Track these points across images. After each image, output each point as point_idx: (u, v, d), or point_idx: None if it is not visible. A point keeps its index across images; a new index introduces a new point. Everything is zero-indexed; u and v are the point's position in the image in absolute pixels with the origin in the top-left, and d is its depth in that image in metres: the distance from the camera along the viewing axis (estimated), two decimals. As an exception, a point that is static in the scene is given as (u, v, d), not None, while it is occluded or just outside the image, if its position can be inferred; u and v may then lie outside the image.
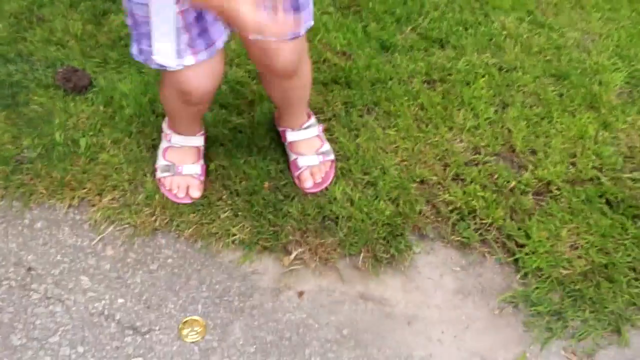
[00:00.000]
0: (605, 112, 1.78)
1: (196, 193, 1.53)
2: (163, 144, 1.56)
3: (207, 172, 1.57)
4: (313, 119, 1.63)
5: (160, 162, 1.55)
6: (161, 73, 1.32)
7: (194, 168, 1.54)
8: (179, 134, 1.53)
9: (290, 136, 1.59)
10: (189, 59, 1.23)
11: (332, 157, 1.61)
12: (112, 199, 1.53)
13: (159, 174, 1.54)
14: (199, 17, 1.20)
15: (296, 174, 1.58)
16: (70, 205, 1.52)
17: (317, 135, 1.62)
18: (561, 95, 1.82)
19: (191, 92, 1.30)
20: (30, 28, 1.83)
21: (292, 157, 1.59)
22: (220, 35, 1.26)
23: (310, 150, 1.59)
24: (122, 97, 1.69)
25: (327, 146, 1.63)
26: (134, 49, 1.25)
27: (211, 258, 1.47)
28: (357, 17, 1.96)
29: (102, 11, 1.89)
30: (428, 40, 1.92)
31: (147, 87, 1.72)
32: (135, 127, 1.64)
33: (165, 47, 1.19)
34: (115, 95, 1.70)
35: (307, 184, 1.56)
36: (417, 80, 1.81)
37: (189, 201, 1.53)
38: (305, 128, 1.60)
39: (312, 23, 1.35)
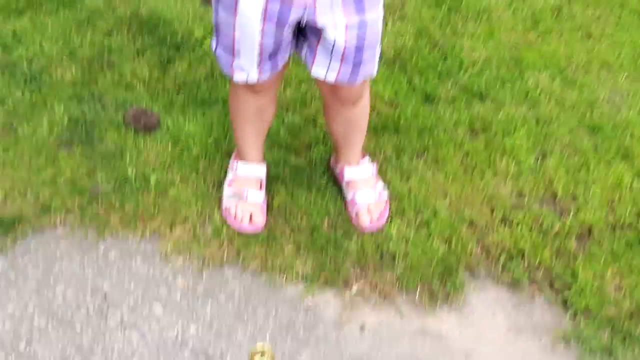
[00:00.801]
0: (638, 162, 1.83)
1: (259, 218, 1.57)
2: (229, 177, 1.61)
3: (270, 208, 1.61)
4: (367, 158, 1.68)
5: (227, 191, 1.59)
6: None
7: (258, 196, 1.58)
8: (244, 161, 1.58)
9: (348, 173, 1.63)
10: (253, 76, 1.35)
11: (386, 195, 1.66)
12: (182, 232, 1.56)
13: (225, 203, 1.58)
14: (273, 54, 1.30)
15: (354, 210, 1.61)
16: (142, 237, 1.55)
17: (373, 174, 1.67)
18: (596, 146, 1.87)
19: (254, 86, 1.40)
20: (101, 72, 1.90)
21: (350, 195, 1.63)
22: (283, 61, 1.37)
23: (367, 188, 1.63)
24: (189, 137, 1.74)
25: (381, 184, 1.67)
26: (213, 43, 1.38)
27: (276, 290, 1.49)
28: (402, 71, 2.03)
29: (167, 58, 1.96)
30: (469, 94, 1.99)
31: (211, 128, 1.77)
32: (202, 165, 1.69)
33: (237, 60, 1.32)
34: (181, 135, 1.75)
35: (365, 220, 1.59)
36: (461, 130, 1.87)
37: (253, 229, 1.56)
38: (363, 166, 1.65)
39: (373, 73, 1.41)
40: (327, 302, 1.48)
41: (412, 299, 1.51)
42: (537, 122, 1.93)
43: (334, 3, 1.22)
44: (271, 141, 1.74)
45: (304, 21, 1.26)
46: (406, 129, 1.85)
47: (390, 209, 1.65)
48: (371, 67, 1.39)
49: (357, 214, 1.61)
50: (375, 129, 1.84)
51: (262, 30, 1.25)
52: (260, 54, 1.31)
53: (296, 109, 1.87)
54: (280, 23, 1.24)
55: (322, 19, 1.24)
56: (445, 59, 2.08)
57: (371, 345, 1.42)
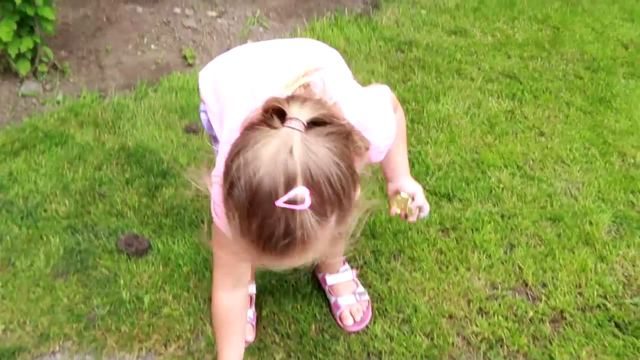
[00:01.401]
0: (599, 247, 1.98)
1: (250, 337, 1.66)
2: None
3: (260, 318, 1.72)
4: (347, 265, 1.81)
5: None
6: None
7: (248, 313, 1.69)
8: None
9: (330, 280, 1.76)
10: None
11: (367, 297, 1.77)
12: (177, 348, 1.65)
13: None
14: None
15: (337, 313, 1.72)
16: (138, 356, 1.63)
17: (352, 279, 1.79)
18: (559, 235, 2.03)
19: None
20: (93, 203, 2.05)
21: (332, 299, 1.75)
22: None
23: (348, 292, 1.75)
24: (179, 257, 1.87)
25: (362, 288, 1.79)
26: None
27: (270, 397, 1.57)
28: (373, 179, 2.21)
29: (155, 185, 2.12)
30: (437, 196, 2.16)
31: (199, 248, 1.90)
32: (193, 283, 1.80)
33: None
34: (172, 256, 1.87)
35: (348, 322, 1.71)
36: (433, 229, 2.02)
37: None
38: (342, 272, 1.78)
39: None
40: (319, 405, 1.56)
41: (401, 395, 1.59)
42: (502, 217, 2.09)
43: None
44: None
45: None
46: (382, 234, 2.00)
47: (372, 309, 1.76)
48: None
49: (341, 317, 1.72)
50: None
51: None
52: None
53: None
54: None
55: None
56: (413, 165, 2.27)
57: None
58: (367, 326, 1.72)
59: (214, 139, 1.46)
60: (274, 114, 0.96)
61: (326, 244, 1.00)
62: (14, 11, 2.37)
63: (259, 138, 0.94)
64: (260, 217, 0.93)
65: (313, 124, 0.95)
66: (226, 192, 0.97)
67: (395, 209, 1.52)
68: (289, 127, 0.94)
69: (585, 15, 3.47)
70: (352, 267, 1.82)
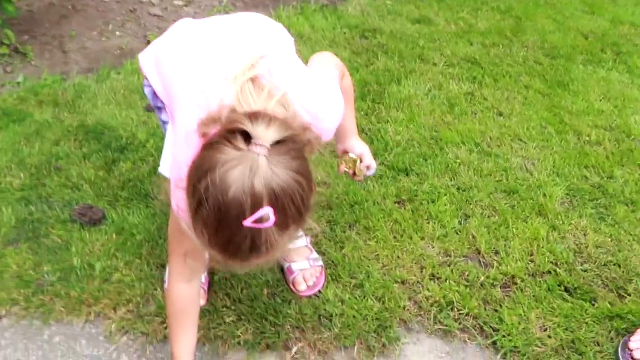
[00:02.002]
0: (552, 217, 2.01)
1: (202, 301, 1.65)
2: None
3: (212, 283, 1.71)
4: (301, 232, 1.81)
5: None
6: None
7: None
8: (187, 248, 1.69)
9: None
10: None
11: (321, 263, 1.77)
12: (126, 312, 1.63)
13: (167, 285, 1.68)
14: None
15: (291, 279, 1.73)
16: (87, 321, 1.62)
17: (307, 246, 1.80)
18: (513, 206, 2.05)
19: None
20: (49, 176, 2.03)
21: (286, 265, 1.75)
22: None
23: (302, 257, 1.75)
24: (133, 226, 1.86)
25: (315, 255, 1.79)
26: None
27: (218, 359, 1.56)
28: (332, 154, 2.22)
29: (112, 160, 2.11)
30: (395, 171, 2.17)
31: (154, 218, 1.90)
32: (146, 250, 1.79)
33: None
34: (126, 226, 1.86)
35: (302, 287, 1.71)
36: (389, 201, 2.04)
37: None
38: (297, 238, 1.78)
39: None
40: (268, 365, 1.56)
41: (350, 355, 1.59)
42: (459, 189, 2.11)
43: None
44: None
45: None
46: (338, 205, 2.01)
47: (326, 275, 1.76)
48: None
49: (294, 282, 1.72)
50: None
51: None
52: None
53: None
54: None
55: None
56: (372, 142, 2.29)
57: (313, 401, 1.49)
58: (319, 291, 1.72)
59: (159, 110, 1.47)
60: (239, 134, 0.98)
61: (286, 245, 1.07)
62: (-28, -11, 2.37)
63: (225, 160, 0.97)
64: (228, 234, 0.99)
65: (276, 143, 0.99)
66: (194, 209, 1.01)
67: (344, 168, 1.53)
68: (254, 152, 0.97)
69: (547, 7, 3.54)
70: (306, 235, 1.83)
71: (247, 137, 0.98)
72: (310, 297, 1.70)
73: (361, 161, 1.54)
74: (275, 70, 1.19)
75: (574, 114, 2.54)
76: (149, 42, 2.96)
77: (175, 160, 1.19)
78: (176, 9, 3.28)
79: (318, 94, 1.28)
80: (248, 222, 0.96)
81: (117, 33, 3.04)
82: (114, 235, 1.83)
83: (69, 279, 1.70)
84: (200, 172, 0.99)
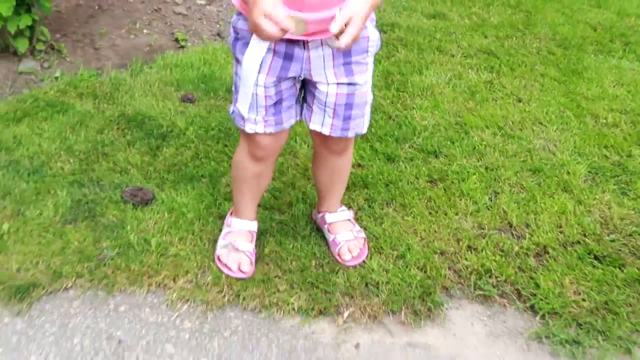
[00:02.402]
0: (577, 192, 2.11)
1: (246, 268, 1.74)
2: (224, 231, 1.80)
3: (262, 256, 1.80)
4: (344, 207, 1.91)
5: (220, 242, 1.78)
6: (240, 135, 1.66)
7: (248, 246, 1.77)
8: (238, 217, 1.79)
9: (329, 218, 1.85)
10: (260, 128, 1.56)
11: (363, 235, 1.87)
12: (185, 282, 1.72)
13: (217, 252, 1.77)
14: (277, 103, 1.54)
15: (336, 250, 1.82)
16: (148, 291, 1.70)
17: (349, 219, 1.89)
18: (539, 184, 2.15)
19: (259, 148, 1.62)
20: (97, 162, 2.12)
21: (331, 237, 1.84)
22: (288, 120, 1.59)
23: (346, 229, 1.84)
24: (182, 205, 1.95)
25: (358, 227, 1.89)
26: (229, 108, 1.60)
27: (275, 323, 1.64)
28: (363, 140, 2.32)
29: (155, 146, 2.21)
30: (424, 153, 2.27)
31: (202, 198, 1.99)
32: (197, 227, 1.88)
33: (245, 113, 1.53)
34: (175, 206, 1.95)
35: (347, 257, 1.80)
36: (422, 180, 2.13)
37: (241, 275, 1.73)
38: (340, 212, 1.87)
39: (362, 131, 1.64)
40: (323, 328, 1.64)
41: (398, 319, 1.68)
42: (486, 169, 2.21)
43: (326, 65, 1.49)
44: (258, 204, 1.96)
45: (302, 76, 1.51)
46: (374, 184, 2.10)
47: (368, 247, 1.86)
48: (361, 124, 1.62)
49: (339, 253, 1.81)
50: (348, 186, 2.08)
51: (265, 83, 1.48)
52: (265, 106, 1.53)
53: (276, 177, 2.11)
54: (280, 76, 1.49)
55: (316, 76, 1.50)
56: (400, 127, 2.39)
57: (366, 358, 1.58)
58: (363, 261, 1.81)
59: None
60: None
61: None
62: (13, -12, 2.46)
63: None
64: None
65: None
66: None
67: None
68: None
69: (555, 2, 3.66)
70: (348, 209, 1.92)
71: None
72: (355, 266, 1.79)
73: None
74: None
75: (590, 99, 2.65)
76: (176, 39, 3.06)
77: None
78: (199, 7, 3.38)
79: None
80: None
81: (145, 31, 3.13)
82: (165, 214, 1.92)
83: (128, 253, 1.79)
84: None
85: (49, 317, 1.62)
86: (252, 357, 1.55)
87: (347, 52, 1.49)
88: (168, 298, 1.69)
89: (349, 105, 1.56)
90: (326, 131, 1.60)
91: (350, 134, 1.64)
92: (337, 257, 1.82)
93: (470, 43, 3.07)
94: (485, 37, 3.16)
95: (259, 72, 1.47)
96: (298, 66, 1.49)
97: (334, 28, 1.27)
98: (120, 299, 1.68)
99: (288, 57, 1.47)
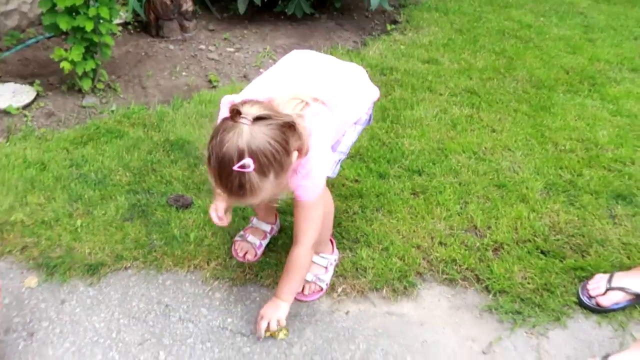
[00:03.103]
0: (532, 203, 2.53)
1: (250, 257, 2.17)
2: (247, 227, 2.27)
3: (277, 246, 2.25)
4: (332, 256, 2.14)
5: (240, 232, 2.25)
6: None
7: (256, 240, 2.21)
8: (257, 217, 2.25)
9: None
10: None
11: (322, 285, 2.08)
12: (216, 265, 2.17)
13: (235, 238, 2.23)
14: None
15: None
16: (188, 271, 2.16)
17: (325, 266, 2.11)
18: (502, 196, 2.58)
19: None
20: (148, 175, 2.60)
21: None
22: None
23: (312, 271, 2.08)
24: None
25: (327, 277, 2.09)
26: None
27: (285, 296, 2.09)
28: (361, 161, 2.78)
29: (193, 164, 2.69)
30: (410, 171, 2.72)
31: (229, 203, 2.46)
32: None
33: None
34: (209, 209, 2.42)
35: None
36: (406, 193, 2.58)
37: (243, 260, 2.17)
38: (321, 257, 2.11)
39: (333, 176, 1.96)
40: (321, 300, 2.08)
41: (381, 294, 2.11)
42: (460, 184, 2.65)
43: None
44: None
45: None
46: (367, 195, 2.55)
47: (321, 296, 2.07)
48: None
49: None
50: (346, 196, 2.53)
51: None
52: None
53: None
54: None
55: None
56: (392, 151, 2.85)
57: (354, 322, 2.00)
58: (304, 301, 2.06)
59: None
60: (236, 112, 1.51)
61: (271, 191, 1.56)
62: (83, 38, 2.99)
63: (224, 128, 1.51)
64: (225, 176, 1.51)
65: (258, 118, 1.50)
66: (207, 161, 1.54)
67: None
68: (241, 122, 1.50)
69: (535, 49, 4.12)
70: (329, 265, 2.13)
71: (240, 114, 1.50)
72: (300, 300, 2.06)
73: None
74: (320, 118, 1.71)
75: (553, 129, 3.09)
76: (209, 80, 3.58)
77: None
78: (229, 54, 3.91)
79: (318, 167, 1.72)
80: (235, 167, 1.47)
81: (183, 73, 3.66)
82: (201, 215, 2.39)
83: (172, 243, 2.25)
84: (211, 136, 1.53)
85: (113, 287, 2.08)
86: (266, 318, 2.00)
87: None
88: (203, 276, 2.14)
89: None
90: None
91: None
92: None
93: (457, 84, 3.54)
94: (470, 79, 3.63)
95: None
96: None
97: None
98: (167, 276, 2.14)
99: None
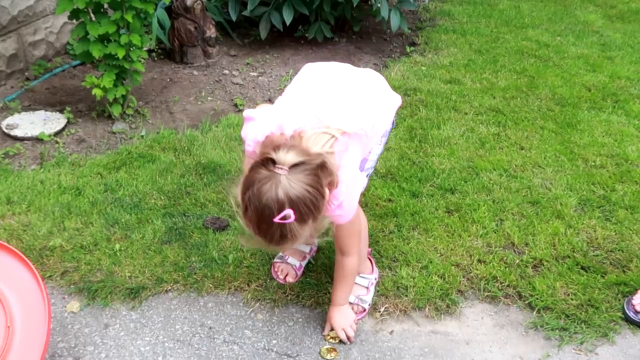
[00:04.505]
0: (568, 219, 2.51)
1: (290, 279, 2.16)
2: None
3: (316, 266, 2.23)
4: (372, 275, 2.13)
5: (278, 254, 2.23)
6: None
7: (296, 261, 2.20)
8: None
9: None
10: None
11: (365, 306, 2.06)
12: (257, 286, 2.15)
13: (274, 260, 2.22)
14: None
15: None
16: (228, 293, 2.14)
17: (366, 287, 2.10)
18: (537, 213, 2.56)
19: None
20: (182, 198, 2.60)
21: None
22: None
23: (354, 294, 2.06)
24: (251, 230, 2.41)
25: (369, 297, 2.08)
26: None
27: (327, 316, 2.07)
28: (393, 181, 2.77)
29: (227, 186, 2.69)
30: (442, 190, 2.70)
31: (266, 224, 2.44)
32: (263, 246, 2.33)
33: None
34: (246, 231, 2.41)
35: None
36: (441, 211, 2.56)
37: (284, 282, 2.15)
38: (361, 277, 2.10)
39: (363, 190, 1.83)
40: (365, 320, 2.06)
41: (423, 313, 2.08)
42: (493, 202, 2.63)
43: None
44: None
45: None
46: (402, 214, 2.53)
47: (365, 316, 2.04)
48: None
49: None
50: (380, 215, 2.52)
51: None
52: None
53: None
54: None
55: None
56: (422, 170, 2.84)
57: (399, 341, 1.97)
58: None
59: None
60: (269, 160, 1.49)
61: (309, 234, 1.57)
62: (114, 65, 3.02)
63: (259, 178, 1.48)
64: (265, 228, 1.51)
65: (294, 165, 1.48)
66: (243, 212, 1.54)
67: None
68: (277, 172, 1.47)
69: (555, 68, 4.12)
70: (372, 282, 2.13)
71: (274, 162, 1.48)
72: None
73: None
74: (348, 151, 1.66)
75: (581, 146, 3.07)
76: (235, 104, 3.59)
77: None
78: (253, 79, 3.94)
79: (350, 196, 1.70)
80: (276, 219, 1.46)
81: (209, 98, 3.68)
82: (239, 236, 2.38)
83: (212, 265, 2.24)
84: (246, 187, 1.52)
85: (155, 311, 2.07)
86: (310, 340, 1.97)
87: None
88: (244, 297, 2.12)
89: None
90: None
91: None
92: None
93: (481, 103, 3.54)
94: (494, 97, 3.63)
95: None
96: None
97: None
98: (208, 298, 2.12)
99: None
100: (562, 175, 2.82)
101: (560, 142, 3.12)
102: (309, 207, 1.50)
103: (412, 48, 4.46)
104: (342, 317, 1.97)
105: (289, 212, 1.46)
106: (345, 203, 1.69)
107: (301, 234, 1.53)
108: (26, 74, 3.73)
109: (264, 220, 1.49)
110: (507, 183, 2.76)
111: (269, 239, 1.54)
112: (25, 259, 1.68)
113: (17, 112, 3.27)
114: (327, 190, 1.57)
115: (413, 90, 3.69)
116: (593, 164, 2.92)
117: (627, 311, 2.05)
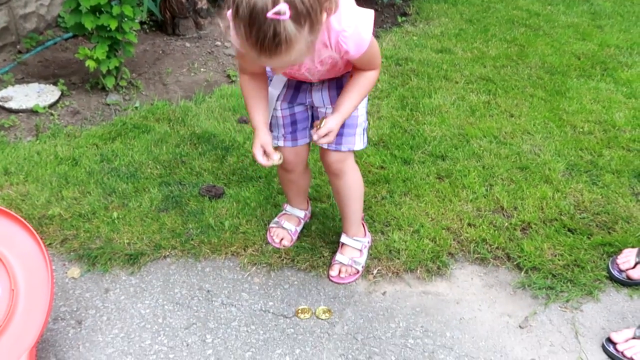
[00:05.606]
0: (556, 183, 2.56)
1: (286, 242, 2.20)
2: (280, 213, 2.29)
3: (310, 231, 2.28)
4: (365, 239, 2.15)
5: (274, 219, 2.27)
6: None
7: (292, 226, 2.24)
8: (290, 204, 2.27)
9: (343, 238, 2.14)
10: (281, 142, 1.96)
11: (359, 268, 2.10)
12: (253, 251, 2.20)
13: (270, 225, 2.25)
14: (293, 124, 1.95)
15: (332, 263, 2.13)
16: (225, 258, 2.19)
17: (359, 249, 2.12)
18: (526, 178, 2.61)
19: (285, 162, 1.96)
20: (178, 167, 2.63)
21: (336, 255, 2.14)
22: (302, 139, 1.98)
23: (348, 254, 2.11)
24: (246, 198, 2.44)
25: (362, 259, 2.11)
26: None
27: (321, 279, 2.11)
28: (385, 148, 2.81)
29: (221, 155, 2.71)
30: (433, 157, 2.74)
31: (261, 192, 2.48)
32: (259, 212, 2.37)
33: (274, 133, 1.92)
34: (241, 198, 2.44)
35: (333, 272, 2.10)
36: (432, 177, 2.60)
37: (279, 246, 2.19)
38: (355, 240, 2.12)
39: (353, 147, 1.89)
40: (358, 282, 2.11)
41: (415, 275, 2.14)
42: (483, 168, 2.67)
43: (324, 96, 1.88)
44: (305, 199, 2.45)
45: (308, 103, 1.92)
46: (394, 180, 2.58)
47: (358, 278, 2.10)
48: (352, 141, 1.87)
49: (330, 268, 2.11)
50: (373, 182, 2.56)
51: (281, 107, 1.91)
52: (284, 125, 1.95)
53: (316, 176, 2.60)
54: (291, 102, 1.91)
55: (317, 103, 1.90)
56: (414, 138, 2.87)
57: (392, 302, 2.03)
58: (347, 283, 2.08)
59: None
60: None
61: (303, 48, 1.40)
62: (106, 37, 3.02)
63: None
64: (257, 25, 1.32)
65: None
66: (234, 13, 1.35)
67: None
68: None
69: (545, 37, 4.14)
70: (363, 248, 2.15)
71: None
72: (338, 284, 2.08)
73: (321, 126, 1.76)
74: None
75: (570, 113, 3.11)
76: (227, 75, 3.60)
77: None
78: (245, 50, 3.94)
79: (357, 21, 1.57)
80: (270, 14, 1.29)
81: (202, 69, 3.68)
82: (234, 204, 2.41)
83: (208, 232, 2.28)
84: None
85: (154, 276, 2.11)
86: (305, 301, 2.02)
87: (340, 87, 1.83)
88: (241, 262, 2.17)
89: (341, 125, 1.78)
90: (323, 144, 1.83)
91: (343, 149, 1.88)
92: (329, 270, 2.12)
93: (472, 72, 3.56)
94: (484, 66, 3.65)
95: (277, 100, 1.91)
96: (303, 95, 1.89)
97: (315, 137, 1.73)
98: (205, 263, 2.17)
99: (297, 89, 1.88)
100: (551, 142, 2.87)
101: (550, 110, 3.15)
102: (306, 7, 1.34)
103: (403, 18, 4.46)
104: (335, 129, 1.77)
105: (284, 6, 1.30)
106: (352, 30, 1.56)
107: (295, 41, 1.36)
108: (18, 47, 3.71)
109: (256, 16, 1.31)
110: (496, 149, 2.80)
111: (259, 42, 1.34)
112: (27, 224, 1.71)
113: (10, 85, 3.27)
114: (324, 14, 1.44)
115: (405, 59, 3.71)
116: (581, 130, 2.96)
117: (611, 270, 2.11)
